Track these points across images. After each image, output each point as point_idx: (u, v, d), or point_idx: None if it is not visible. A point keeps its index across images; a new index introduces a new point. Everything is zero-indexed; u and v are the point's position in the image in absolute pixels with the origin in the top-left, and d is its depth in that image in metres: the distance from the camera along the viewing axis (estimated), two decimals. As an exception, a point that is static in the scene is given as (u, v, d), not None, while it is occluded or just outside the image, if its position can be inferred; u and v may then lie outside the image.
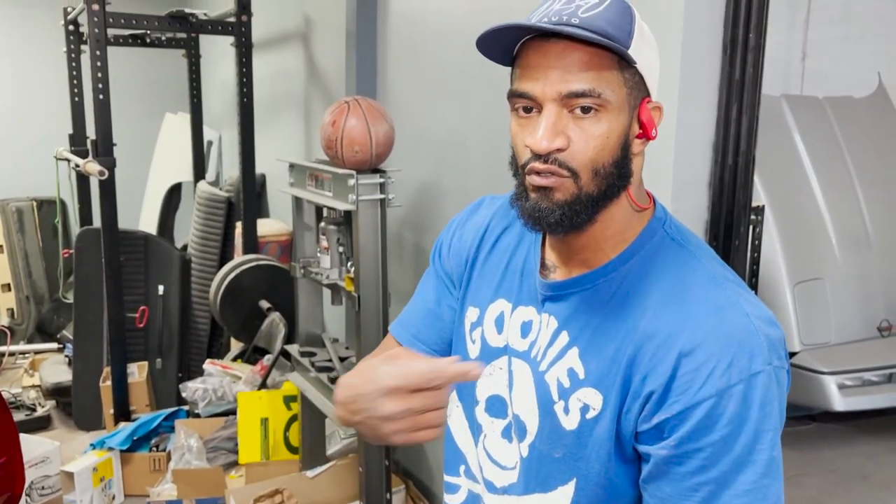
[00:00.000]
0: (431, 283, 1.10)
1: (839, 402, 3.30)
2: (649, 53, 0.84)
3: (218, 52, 4.53)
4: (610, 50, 0.79)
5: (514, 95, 0.83)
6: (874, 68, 4.31)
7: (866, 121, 4.01)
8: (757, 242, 1.88)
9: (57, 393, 3.78)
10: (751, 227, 1.78)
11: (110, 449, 2.93)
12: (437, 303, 1.07)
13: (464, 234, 1.05)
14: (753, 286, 2.19)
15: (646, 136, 0.85)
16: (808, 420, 3.70)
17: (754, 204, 1.79)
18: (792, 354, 3.41)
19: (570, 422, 0.87)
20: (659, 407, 0.81)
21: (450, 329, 1.06)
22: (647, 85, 0.84)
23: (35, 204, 5.10)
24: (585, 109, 0.80)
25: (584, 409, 0.86)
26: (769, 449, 0.79)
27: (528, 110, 0.83)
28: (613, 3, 0.81)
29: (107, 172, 3.08)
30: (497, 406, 0.97)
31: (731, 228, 1.69)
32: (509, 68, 0.87)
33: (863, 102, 4.09)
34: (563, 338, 0.89)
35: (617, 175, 0.83)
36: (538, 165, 0.81)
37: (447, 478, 1.08)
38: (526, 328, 0.94)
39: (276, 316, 3.19)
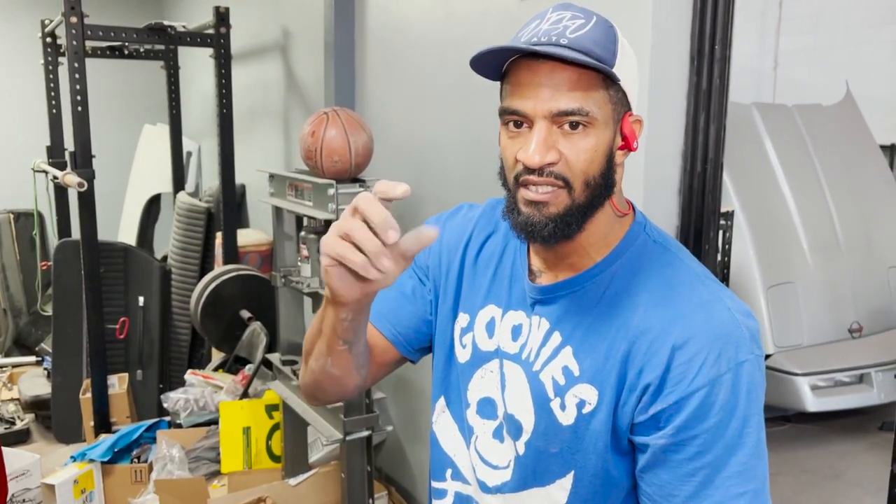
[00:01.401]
0: (405, 273, 1.10)
1: (812, 403, 3.38)
2: (631, 70, 0.88)
3: (197, 64, 4.54)
4: (596, 70, 0.83)
5: (505, 112, 0.87)
6: (843, 77, 4.42)
7: (834, 128, 4.11)
8: (727, 247, 1.94)
9: (36, 406, 3.75)
10: (720, 232, 1.83)
11: (91, 461, 2.91)
12: (412, 292, 1.09)
13: (444, 235, 1.08)
14: (724, 289, 2.26)
15: (627, 147, 0.89)
16: (782, 421, 3.77)
17: (723, 209, 1.84)
18: (765, 357, 3.48)
19: (566, 417, 0.91)
20: (655, 398, 0.85)
21: (418, 318, 1.08)
22: (629, 100, 0.88)
23: (12, 216, 5.06)
24: (574, 125, 0.84)
25: (581, 404, 0.90)
26: (756, 431, 0.85)
27: (518, 125, 0.86)
28: (599, 23, 0.85)
29: (86, 184, 3.08)
30: (488, 408, 1.00)
31: (701, 233, 1.74)
32: (489, 81, 0.91)
33: (831, 110, 4.19)
34: (556, 338, 0.93)
35: (604, 185, 0.87)
36: (534, 178, 0.85)
37: (434, 484, 1.10)
38: (517, 331, 0.97)
39: (257, 325, 3.20)
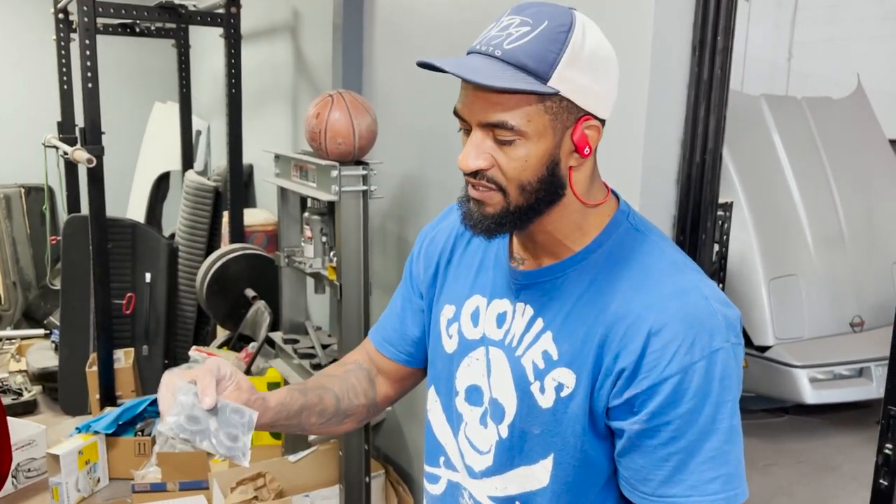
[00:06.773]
0: (403, 294, 1.19)
1: (810, 395, 3.39)
2: (582, 76, 0.85)
3: (207, 43, 4.55)
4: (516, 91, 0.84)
5: (455, 114, 0.91)
6: (858, 69, 4.39)
7: (844, 121, 4.09)
8: (725, 238, 1.95)
9: (43, 378, 3.81)
10: (718, 223, 1.84)
11: (96, 433, 2.96)
12: (404, 309, 1.18)
13: (435, 240, 1.13)
14: (721, 280, 2.27)
15: (579, 154, 0.89)
16: (780, 413, 3.78)
17: (723, 200, 1.85)
18: (766, 348, 3.49)
19: (546, 400, 0.94)
20: (630, 383, 0.87)
21: (418, 330, 1.16)
22: (581, 105, 0.86)
23: (23, 191, 5.12)
24: (504, 139, 0.86)
25: (559, 387, 0.93)
26: (729, 418, 0.87)
27: (465, 129, 0.90)
28: (545, 30, 0.83)
29: (95, 160, 3.11)
30: (475, 395, 1.03)
31: (698, 223, 1.75)
32: None
33: (840, 103, 4.17)
34: (539, 324, 0.95)
35: (545, 190, 0.89)
36: (472, 180, 0.90)
37: (428, 468, 1.14)
38: (501, 319, 1.00)
39: (261, 304, 3.24)
